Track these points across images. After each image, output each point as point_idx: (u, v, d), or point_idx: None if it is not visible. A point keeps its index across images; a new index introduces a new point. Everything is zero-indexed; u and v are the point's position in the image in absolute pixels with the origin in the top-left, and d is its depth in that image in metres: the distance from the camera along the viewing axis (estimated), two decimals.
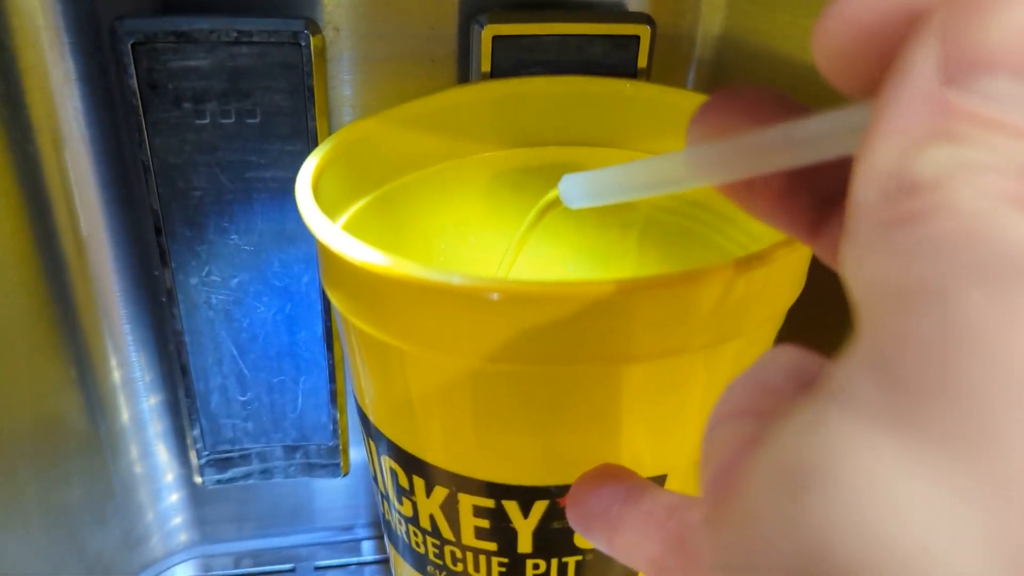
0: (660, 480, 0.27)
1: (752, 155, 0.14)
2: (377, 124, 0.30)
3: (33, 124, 0.30)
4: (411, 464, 0.27)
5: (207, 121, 0.31)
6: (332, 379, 0.37)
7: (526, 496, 0.26)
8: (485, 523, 0.27)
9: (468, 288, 0.21)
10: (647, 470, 0.26)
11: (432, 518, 0.28)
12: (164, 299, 0.34)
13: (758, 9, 0.33)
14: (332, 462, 0.40)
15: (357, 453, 0.43)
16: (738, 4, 0.34)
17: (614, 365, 0.23)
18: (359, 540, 0.46)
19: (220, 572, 0.44)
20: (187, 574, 0.44)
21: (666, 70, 0.35)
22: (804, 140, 0.13)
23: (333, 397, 0.38)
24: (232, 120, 0.31)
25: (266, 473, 0.40)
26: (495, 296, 0.21)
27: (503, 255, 0.34)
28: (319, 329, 0.36)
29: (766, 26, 0.33)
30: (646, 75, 0.33)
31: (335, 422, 0.38)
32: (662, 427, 0.26)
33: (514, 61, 0.32)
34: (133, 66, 0.29)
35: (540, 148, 0.34)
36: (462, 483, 0.26)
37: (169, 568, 0.44)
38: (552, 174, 0.35)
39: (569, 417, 0.24)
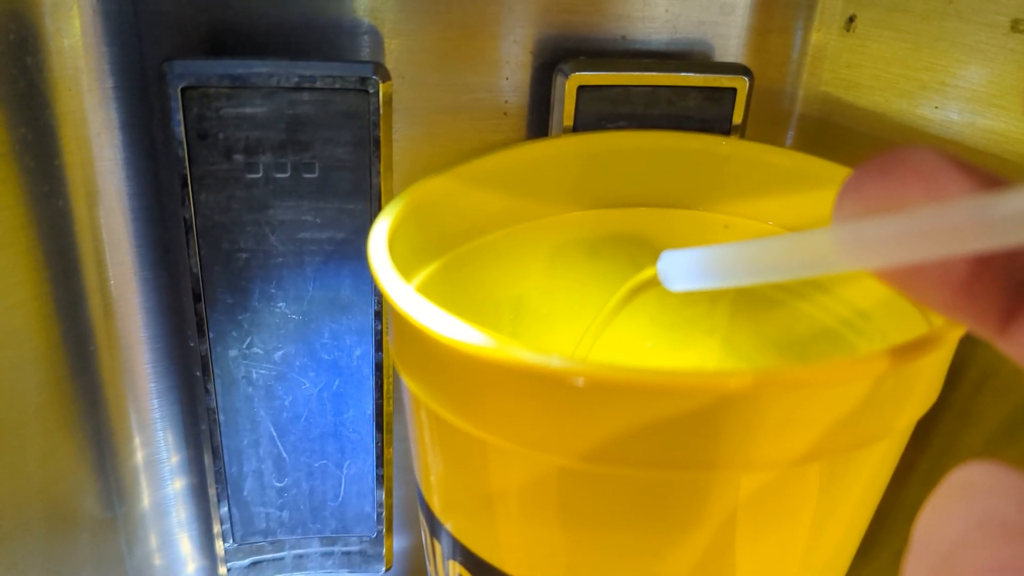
0: None
1: (930, 236, 0.12)
2: (450, 181, 0.27)
3: (66, 176, 0.27)
4: (487, 573, 0.23)
5: (259, 175, 0.28)
6: (380, 463, 0.33)
7: None
8: None
9: (566, 373, 0.17)
10: None
11: None
12: (198, 373, 0.30)
13: (865, 61, 0.30)
14: (375, 554, 0.35)
15: (398, 543, 0.38)
16: (843, 56, 0.31)
17: (731, 471, 0.19)
18: None
19: None
20: None
21: (763, 126, 0.31)
22: (1005, 219, 0.11)
23: (380, 483, 0.34)
24: (287, 175, 0.28)
25: (300, 567, 0.35)
26: (598, 385, 0.17)
27: (582, 333, 0.31)
28: (369, 408, 0.32)
29: (873, 80, 0.30)
30: (741, 131, 0.30)
31: (381, 511, 0.34)
32: (777, 540, 0.22)
33: (599, 114, 0.29)
34: (181, 113, 0.26)
35: (621, 209, 0.31)
36: None
37: None
38: (634, 239, 0.31)
39: (672, 530, 0.21)
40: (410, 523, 0.40)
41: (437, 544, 0.25)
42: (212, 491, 0.33)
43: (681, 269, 0.19)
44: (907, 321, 0.26)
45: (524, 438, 0.19)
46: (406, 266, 0.26)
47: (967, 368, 0.29)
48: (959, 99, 0.28)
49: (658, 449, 0.18)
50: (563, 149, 0.29)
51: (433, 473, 0.24)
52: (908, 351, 0.18)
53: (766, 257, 0.16)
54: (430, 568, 0.27)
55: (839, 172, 0.27)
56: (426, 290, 0.26)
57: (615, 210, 0.31)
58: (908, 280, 0.13)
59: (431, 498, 0.25)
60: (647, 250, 0.31)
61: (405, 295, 0.20)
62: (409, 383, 0.22)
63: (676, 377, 0.17)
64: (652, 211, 0.31)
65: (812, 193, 0.28)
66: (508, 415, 0.19)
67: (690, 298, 0.32)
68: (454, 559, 0.24)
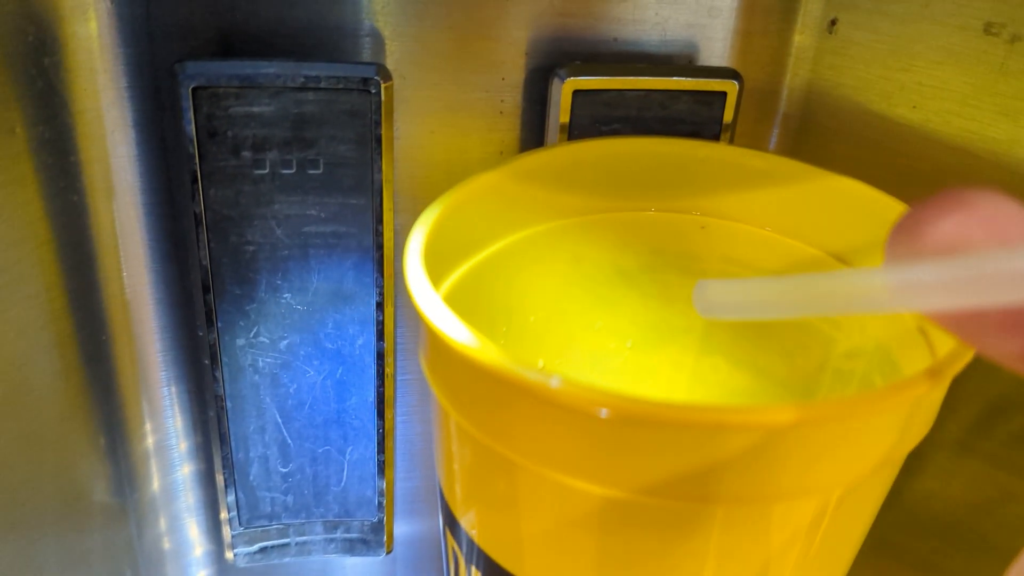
0: None
1: (992, 282, 0.11)
2: (491, 180, 0.27)
3: (82, 172, 0.28)
4: None
5: (266, 171, 0.29)
6: (381, 449, 0.35)
7: None
8: None
9: (592, 403, 0.18)
10: None
11: None
12: (207, 361, 0.32)
13: (846, 62, 0.31)
14: (376, 539, 0.37)
15: (399, 530, 0.40)
16: (825, 57, 0.32)
17: (766, 504, 0.20)
18: None
19: None
20: None
21: (748, 125, 0.33)
22: None
23: (381, 469, 0.35)
24: (293, 171, 0.29)
25: (303, 551, 0.36)
26: (626, 417, 0.18)
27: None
28: (371, 395, 0.33)
29: (854, 80, 0.32)
30: (731, 131, 0.31)
31: (382, 496, 0.36)
32: (810, 569, 0.23)
33: (594, 116, 0.30)
34: (192, 112, 0.27)
35: (604, 215, 0.32)
36: None
37: None
38: (617, 243, 0.32)
39: (715, 560, 0.21)
40: (410, 511, 0.41)
41: (456, 547, 0.26)
42: (219, 476, 0.34)
43: (720, 299, 0.19)
44: (892, 320, 0.27)
45: (552, 462, 0.20)
46: (434, 276, 0.26)
47: None
48: (935, 99, 0.29)
49: (684, 481, 0.19)
50: (576, 154, 0.29)
51: (458, 482, 0.24)
52: (943, 371, 0.19)
53: (812, 292, 0.16)
54: (448, 569, 0.28)
55: (812, 173, 0.28)
56: (452, 299, 0.27)
57: (597, 216, 0.31)
58: (966, 326, 0.13)
59: (453, 503, 0.25)
60: (629, 253, 0.32)
61: (437, 310, 0.20)
62: (439, 396, 0.23)
63: (696, 412, 0.18)
64: (632, 214, 0.32)
65: (785, 193, 0.29)
66: (535, 438, 0.20)
67: (667, 299, 0.33)
68: (474, 564, 0.25)
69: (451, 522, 0.26)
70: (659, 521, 0.20)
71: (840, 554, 0.24)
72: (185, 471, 0.36)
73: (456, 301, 0.28)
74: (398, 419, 0.37)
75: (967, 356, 0.20)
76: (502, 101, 0.32)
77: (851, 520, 0.23)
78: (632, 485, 0.19)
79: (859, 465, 0.20)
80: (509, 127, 0.33)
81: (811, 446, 0.19)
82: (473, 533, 0.24)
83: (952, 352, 0.20)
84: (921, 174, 0.31)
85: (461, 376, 0.21)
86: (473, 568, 0.25)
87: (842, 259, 0.29)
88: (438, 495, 0.27)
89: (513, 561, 0.23)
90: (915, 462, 0.33)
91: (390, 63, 0.31)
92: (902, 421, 0.20)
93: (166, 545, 0.37)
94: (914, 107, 0.30)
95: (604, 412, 0.18)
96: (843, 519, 0.22)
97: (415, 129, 0.32)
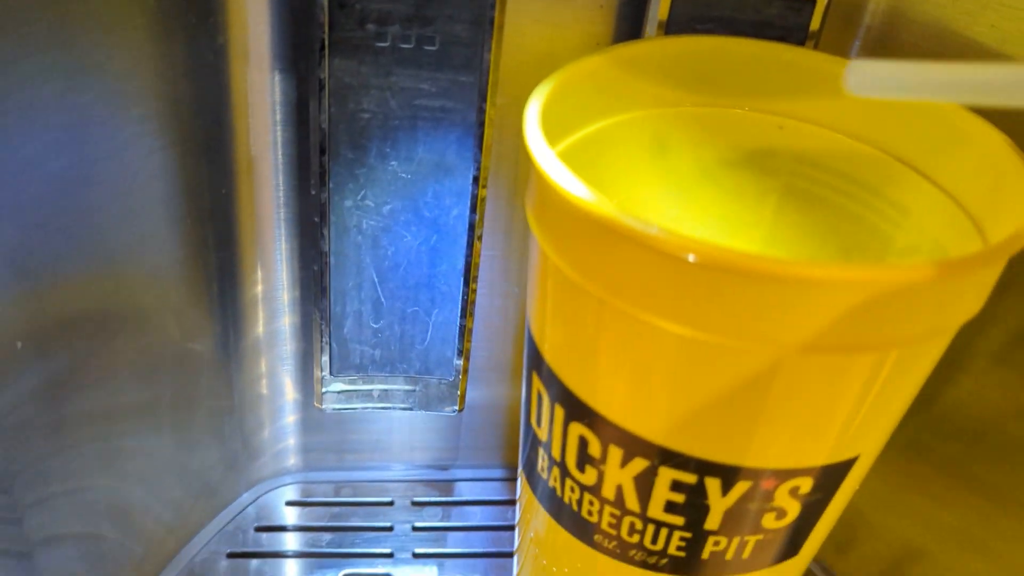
0: (851, 462, 0.27)
1: None
2: (594, 64, 0.30)
3: (220, 34, 0.31)
4: (608, 433, 0.27)
5: (387, 44, 0.32)
6: (464, 315, 0.38)
7: (731, 475, 0.26)
8: (680, 498, 0.27)
9: (683, 248, 0.21)
10: (844, 453, 0.26)
11: (620, 488, 0.28)
12: (316, 219, 0.35)
13: None
14: (450, 397, 0.41)
15: (471, 394, 0.43)
16: None
17: (831, 356, 0.23)
18: (455, 480, 0.47)
19: (321, 499, 0.45)
20: (289, 498, 0.45)
21: (832, 34, 0.35)
22: None
23: (462, 333, 0.38)
24: (411, 46, 0.32)
25: (385, 402, 0.40)
26: (708, 262, 0.21)
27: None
28: (460, 264, 0.37)
29: None
30: (816, 38, 0.33)
31: (460, 358, 0.39)
32: (863, 416, 0.25)
33: (691, 15, 0.33)
34: None
35: (692, 108, 0.34)
36: (665, 455, 0.26)
37: (272, 490, 0.45)
38: (697, 137, 0.35)
39: (775, 401, 0.24)
40: (478, 379, 0.45)
41: (541, 386, 0.30)
42: (317, 327, 0.38)
43: (877, 74, 0.19)
44: (951, 220, 0.29)
45: (640, 302, 0.23)
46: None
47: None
48: (1015, 20, 0.31)
49: (756, 327, 0.22)
50: (679, 47, 0.32)
51: (549, 323, 0.28)
52: (995, 254, 0.22)
53: (974, 78, 0.16)
54: (541, 430, 0.31)
55: None
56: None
57: (685, 108, 0.34)
58: None
59: (542, 344, 0.29)
60: (709, 147, 0.34)
61: (549, 159, 0.23)
62: (541, 242, 0.26)
63: (773, 263, 0.20)
64: (717, 110, 0.34)
65: (860, 99, 0.31)
66: (628, 280, 0.23)
67: (739, 191, 0.35)
68: (558, 401, 0.29)
69: (538, 363, 0.29)
70: (728, 362, 0.23)
71: (888, 414, 0.27)
72: (286, 322, 0.40)
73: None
74: (478, 292, 0.41)
75: (1018, 245, 0.23)
76: None
77: (902, 382, 0.25)
78: (708, 326, 0.23)
79: (914, 328, 0.23)
80: (606, 21, 0.35)
81: (873, 306, 0.22)
82: (558, 371, 0.28)
83: (1006, 240, 0.23)
84: None
85: (567, 222, 0.24)
86: (557, 405, 0.28)
87: (908, 163, 0.31)
88: (526, 342, 0.30)
89: (594, 395, 0.27)
90: (951, 369, 0.36)
91: None
92: (955, 294, 0.23)
93: (263, 390, 0.42)
94: (992, 27, 0.32)
95: (692, 257, 0.21)
96: (895, 380, 0.25)
97: (520, 17, 0.34)
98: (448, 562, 0.43)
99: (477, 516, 0.45)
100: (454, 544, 0.44)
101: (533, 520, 0.34)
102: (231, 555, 0.42)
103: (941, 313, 0.23)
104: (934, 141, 0.30)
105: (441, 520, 0.45)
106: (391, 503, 0.45)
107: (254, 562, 0.42)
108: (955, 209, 0.30)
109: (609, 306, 0.24)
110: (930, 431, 0.38)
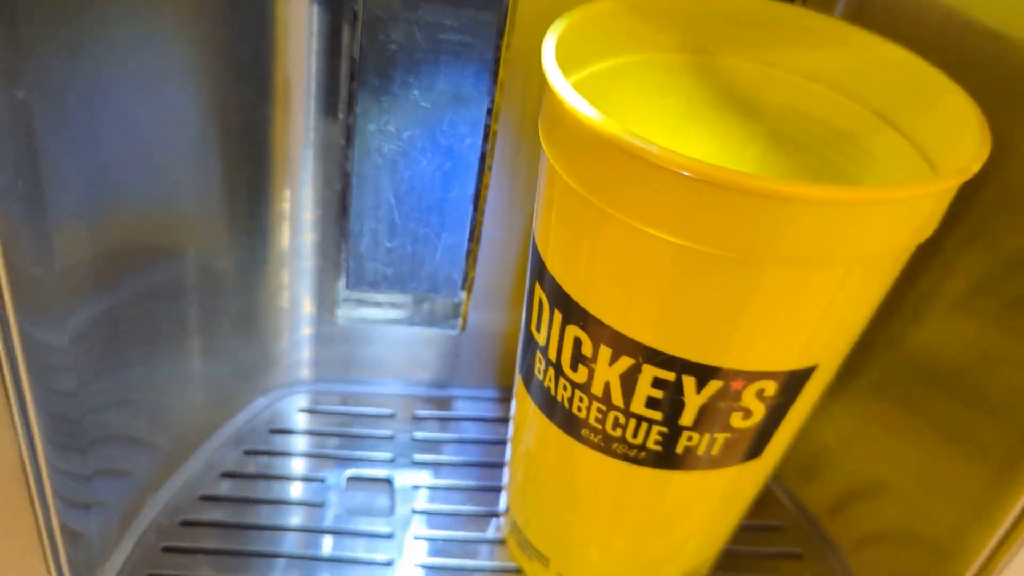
0: (811, 370, 0.30)
1: None
2: (606, 7, 0.33)
3: None
4: (600, 334, 0.30)
5: None
6: (471, 239, 0.42)
7: (705, 374, 0.29)
8: (659, 394, 0.30)
9: (677, 164, 0.24)
10: (805, 361, 0.30)
11: (607, 385, 0.31)
12: (342, 141, 0.38)
13: None
14: (454, 316, 0.44)
15: (474, 316, 0.47)
16: None
17: (802, 267, 0.26)
18: (452, 398, 0.51)
19: (330, 408, 0.49)
20: (300, 404, 0.49)
21: None
22: None
23: (469, 256, 0.42)
24: None
25: (395, 317, 0.44)
26: (700, 178, 0.24)
27: None
28: (470, 190, 0.40)
29: None
30: None
31: (465, 280, 0.43)
32: (825, 326, 0.29)
33: None
34: None
35: (690, 55, 0.37)
36: (650, 354, 0.29)
37: (286, 397, 0.49)
38: (694, 83, 0.38)
39: (760, 308, 0.28)
40: (483, 305, 0.48)
41: (543, 294, 0.33)
42: (337, 244, 0.41)
43: None
44: (914, 167, 0.33)
45: (638, 213, 0.26)
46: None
47: (985, 188, 0.35)
48: None
49: (741, 238, 0.25)
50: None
51: (553, 234, 0.31)
52: (944, 181, 0.26)
53: None
54: (538, 333, 0.35)
55: (868, 39, 0.34)
56: None
57: (684, 56, 0.37)
58: None
59: (546, 254, 0.32)
60: (704, 92, 0.38)
61: (562, 82, 0.27)
62: (551, 158, 0.29)
63: (756, 180, 0.24)
64: (713, 58, 0.37)
65: (842, 54, 0.35)
66: (628, 193, 0.26)
67: (729, 134, 0.39)
68: (557, 307, 0.32)
69: (540, 273, 0.33)
70: (711, 270, 0.27)
71: (845, 328, 0.30)
72: (307, 239, 0.43)
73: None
74: (484, 220, 0.44)
75: (960, 179, 0.26)
76: None
77: (860, 298, 0.29)
78: (696, 236, 0.26)
79: (873, 246, 0.27)
80: None
81: (837, 223, 0.25)
82: (559, 278, 0.31)
83: (950, 172, 0.27)
84: (956, 53, 0.36)
85: (575, 140, 0.28)
86: (556, 310, 0.32)
87: (882, 116, 0.35)
88: (531, 255, 0.34)
89: (590, 299, 0.30)
90: (919, 314, 0.40)
91: None
92: (905, 217, 0.27)
93: (283, 303, 0.45)
94: None
95: (687, 172, 0.25)
96: (854, 295, 0.29)
97: None
98: (443, 468, 0.47)
99: (472, 431, 0.49)
100: (449, 454, 0.48)
101: (527, 422, 0.38)
102: (247, 452, 0.46)
103: (895, 233, 0.27)
104: (908, 97, 0.34)
105: (439, 432, 0.49)
106: (393, 415, 0.49)
107: (267, 459, 0.46)
108: (918, 158, 0.33)
109: (609, 216, 0.28)
110: (897, 375, 0.41)
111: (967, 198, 0.32)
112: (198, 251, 0.39)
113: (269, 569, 0.40)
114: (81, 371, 0.32)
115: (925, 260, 0.35)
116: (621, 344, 0.30)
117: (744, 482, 0.36)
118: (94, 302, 0.33)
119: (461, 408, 0.50)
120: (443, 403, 0.51)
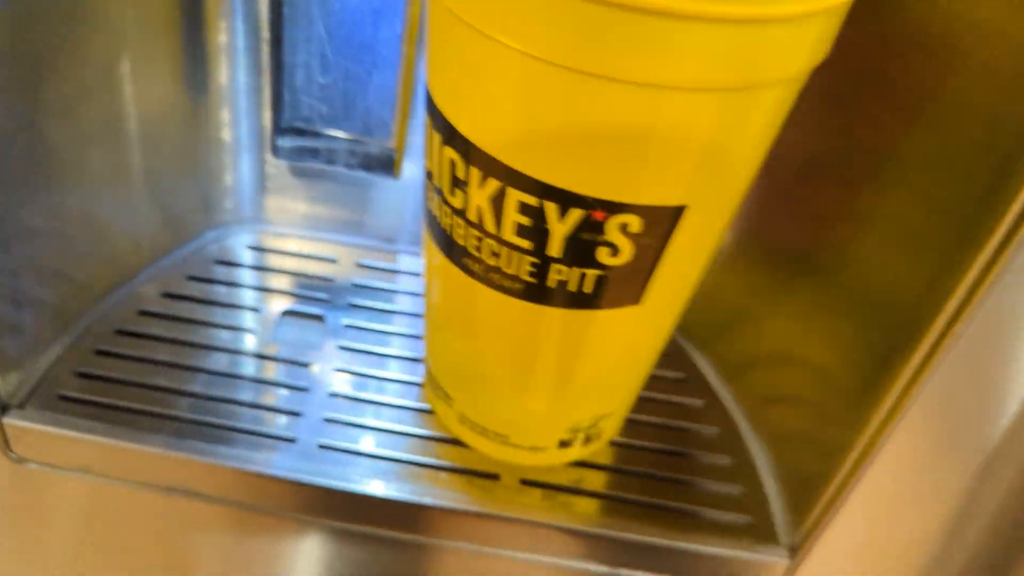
0: (679, 211, 0.30)
1: None
2: None
3: None
4: (469, 154, 0.31)
5: None
6: (402, 81, 0.42)
7: (565, 200, 0.29)
8: (526, 220, 0.31)
9: None
10: (669, 198, 0.30)
11: (479, 210, 0.32)
12: None
13: None
14: (389, 161, 0.45)
15: (409, 170, 0.48)
16: None
17: (661, 91, 0.26)
18: (398, 252, 0.52)
19: (274, 247, 0.51)
20: (247, 241, 0.51)
21: None
22: None
23: (399, 99, 0.43)
24: None
25: (331, 158, 0.45)
26: None
27: None
28: (399, 29, 0.40)
29: None
30: None
31: (397, 123, 0.43)
32: (688, 161, 0.29)
33: None
34: None
35: None
36: (513, 177, 0.30)
37: (233, 236, 0.51)
38: None
39: (612, 132, 0.27)
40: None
41: (438, 135, 0.33)
42: (270, 75, 0.42)
43: None
44: None
45: (505, 30, 0.26)
46: None
47: None
48: None
49: (603, 58, 0.25)
50: None
51: (432, 55, 0.32)
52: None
53: None
54: (431, 160, 0.35)
55: None
56: None
57: None
58: None
59: (429, 75, 0.33)
60: None
61: None
62: None
63: None
64: None
65: None
66: (499, 12, 0.26)
67: None
68: (449, 145, 0.32)
69: (429, 101, 0.33)
70: (566, 89, 0.27)
71: (715, 167, 0.30)
72: (244, 77, 0.44)
73: None
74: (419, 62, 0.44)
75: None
76: None
77: (732, 133, 0.28)
78: (548, 50, 0.26)
79: (736, 73, 0.26)
80: None
81: (700, 39, 0.25)
82: (436, 98, 0.32)
83: None
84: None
85: None
86: (435, 132, 0.33)
87: None
88: (425, 96, 0.34)
89: (459, 117, 0.31)
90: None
91: None
92: (771, 42, 0.26)
93: (225, 136, 0.47)
94: None
95: None
96: (724, 128, 0.28)
97: None
98: (378, 315, 0.49)
99: (411, 284, 0.51)
100: (385, 302, 0.49)
101: (428, 259, 0.39)
102: (191, 278, 0.48)
103: (762, 61, 0.26)
104: None
105: (379, 281, 0.50)
106: (336, 260, 0.51)
107: (208, 286, 0.48)
108: None
109: (459, 21, 0.28)
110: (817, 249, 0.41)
111: None
112: (139, 73, 0.40)
113: (192, 382, 0.43)
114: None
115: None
116: (487, 164, 0.31)
117: (629, 329, 0.36)
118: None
119: (404, 264, 0.52)
120: (387, 256, 0.52)
